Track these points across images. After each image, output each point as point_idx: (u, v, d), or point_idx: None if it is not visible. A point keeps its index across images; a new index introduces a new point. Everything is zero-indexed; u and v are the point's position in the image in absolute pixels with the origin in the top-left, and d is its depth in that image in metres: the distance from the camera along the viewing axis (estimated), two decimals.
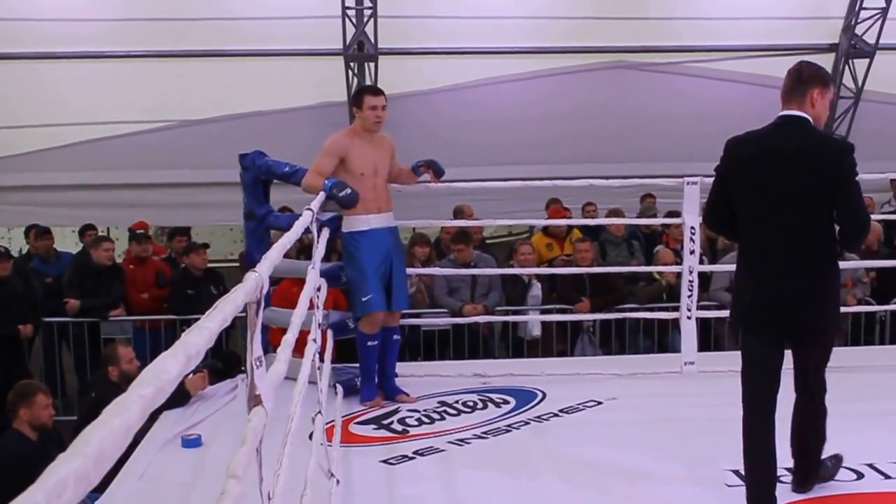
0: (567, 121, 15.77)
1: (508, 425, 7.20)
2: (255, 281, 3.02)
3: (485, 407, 7.66)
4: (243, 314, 3.01)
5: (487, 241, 14.89)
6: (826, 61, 14.74)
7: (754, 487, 5.34)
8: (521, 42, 15.75)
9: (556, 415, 7.42)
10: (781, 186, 5.18)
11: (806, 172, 5.17)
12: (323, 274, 6.75)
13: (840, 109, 16.21)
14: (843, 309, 6.34)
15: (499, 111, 15.82)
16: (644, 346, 11.02)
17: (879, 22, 15.81)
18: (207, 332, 2.32)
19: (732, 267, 10.40)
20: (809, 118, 5.29)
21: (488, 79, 16.01)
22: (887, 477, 5.89)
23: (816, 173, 5.17)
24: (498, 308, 10.93)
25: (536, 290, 11.13)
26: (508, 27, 15.45)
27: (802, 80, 5.36)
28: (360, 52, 15.16)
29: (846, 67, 16.18)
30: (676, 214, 9.51)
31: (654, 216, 13.18)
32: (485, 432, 7.03)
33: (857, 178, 5.20)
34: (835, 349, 5.60)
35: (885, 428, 6.79)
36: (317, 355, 5.65)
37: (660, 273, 11.21)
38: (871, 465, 6.01)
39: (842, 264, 5.54)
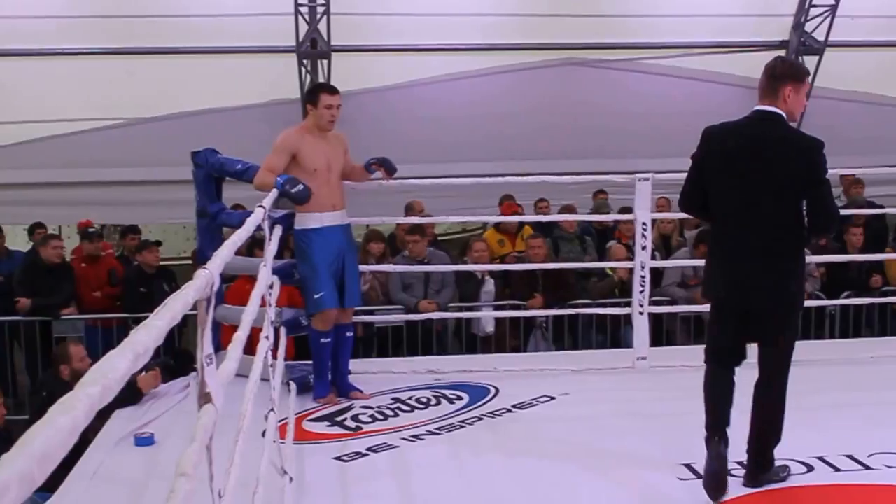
0: (520, 118, 15.83)
1: (462, 421, 7.21)
2: (206, 278, 3.02)
3: (438, 403, 7.67)
4: (196, 312, 3.01)
5: (441, 238, 14.91)
6: None
7: (711, 424, 5.54)
8: (474, 39, 15.77)
9: (509, 410, 7.44)
10: (754, 179, 5.42)
11: (778, 167, 5.39)
12: (275, 271, 6.75)
13: None
14: None
15: (452, 108, 15.84)
16: (597, 342, 11.04)
17: (829, 19, 15.95)
18: (156, 330, 2.32)
19: (685, 263, 10.64)
20: (783, 114, 5.49)
21: (442, 76, 16.03)
22: (837, 469, 5.96)
23: (788, 168, 5.40)
24: (451, 304, 10.96)
25: (489, 286, 11.16)
26: (462, 24, 15.46)
27: (776, 76, 5.56)
28: (313, 50, 15.14)
29: None
30: (629, 210, 9.55)
31: (607, 212, 13.23)
32: (438, 428, 7.05)
33: (826, 175, 5.45)
34: None
35: (834, 421, 6.87)
36: (269, 353, 5.64)
37: (612, 269, 11.25)
38: (820, 458, 6.07)
39: None
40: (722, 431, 5.51)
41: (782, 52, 16.03)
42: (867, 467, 5.98)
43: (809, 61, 16.28)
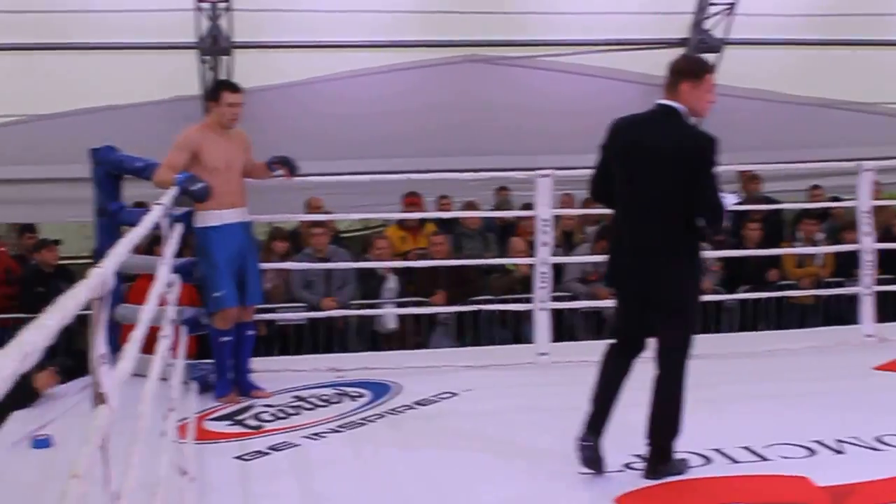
0: (422, 114, 15.80)
1: (363, 418, 7.21)
2: (100, 277, 3.00)
3: (339, 401, 7.67)
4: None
5: (343, 235, 14.88)
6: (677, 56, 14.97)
7: (593, 410, 5.75)
8: (377, 36, 15.72)
9: (411, 407, 7.47)
10: (647, 171, 5.56)
11: (667, 162, 5.51)
12: (176, 270, 6.69)
13: None
14: None
15: (355, 105, 15.78)
16: (500, 338, 11.07)
17: (727, 17, 16.15)
18: (46, 330, 2.29)
19: (585, 258, 10.71)
20: (681, 109, 5.61)
21: (344, 73, 15.96)
22: (734, 461, 6.07)
23: (677, 164, 5.52)
24: (353, 301, 10.94)
25: (392, 283, 11.15)
26: (365, 21, 15.39)
27: (674, 73, 5.71)
28: (214, 46, 14.99)
29: None
30: (531, 207, 9.60)
31: (509, 209, 13.30)
32: (340, 426, 7.05)
33: (713, 170, 5.55)
34: None
35: (731, 413, 6.99)
36: (169, 352, 5.59)
37: (514, 265, 11.30)
38: (717, 450, 6.18)
39: None
40: (597, 425, 5.71)
41: (682, 50, 16.19)
42: (764, 458, 6.11)
43: (710, 59, 16.46)
